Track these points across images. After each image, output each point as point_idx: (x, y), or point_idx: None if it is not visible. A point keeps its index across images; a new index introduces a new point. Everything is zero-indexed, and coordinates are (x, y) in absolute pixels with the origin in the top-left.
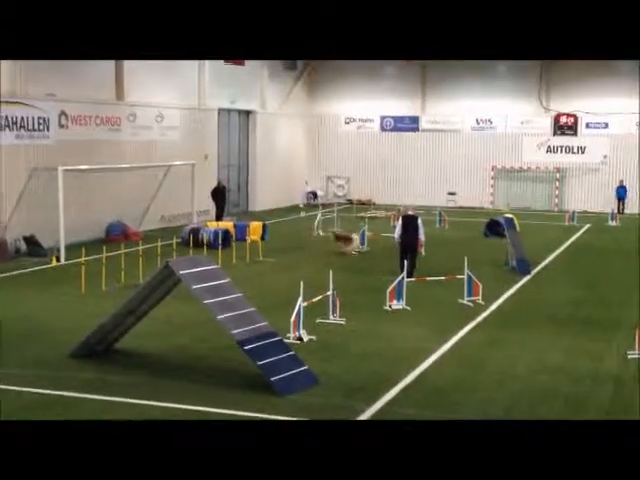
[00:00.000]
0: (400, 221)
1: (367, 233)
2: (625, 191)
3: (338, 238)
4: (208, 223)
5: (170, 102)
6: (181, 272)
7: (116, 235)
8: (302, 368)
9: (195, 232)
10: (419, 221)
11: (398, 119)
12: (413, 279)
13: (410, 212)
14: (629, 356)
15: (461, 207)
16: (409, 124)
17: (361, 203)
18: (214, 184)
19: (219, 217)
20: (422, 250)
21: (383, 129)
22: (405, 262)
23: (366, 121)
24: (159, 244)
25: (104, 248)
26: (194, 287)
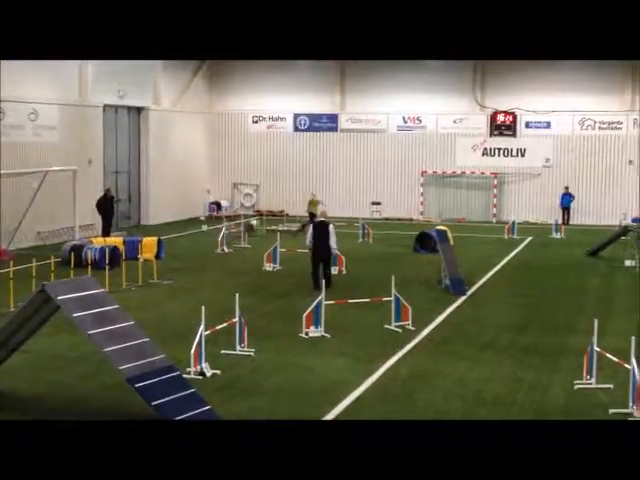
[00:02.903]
0: (311, 228)
1: (279, 249)
2: (570, 199)
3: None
4: (93, 239)
5: (46, 97)
6: (60, 297)
7: None
8: (204, 408)
9: (78, 250)
10: (330, 228)
11: (314, 117)
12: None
13: (322, 218)
14: (576, 387)
15: (387, 219)
16: (327, 123)
17: (272, 214)
18: (100, 194)
19: (106, 232)
20: (342, 268)
21: (297, 129)
22: (319, 274)
23: (277, 120)
24: (34, 264)
25: None
26: (75, 315)
